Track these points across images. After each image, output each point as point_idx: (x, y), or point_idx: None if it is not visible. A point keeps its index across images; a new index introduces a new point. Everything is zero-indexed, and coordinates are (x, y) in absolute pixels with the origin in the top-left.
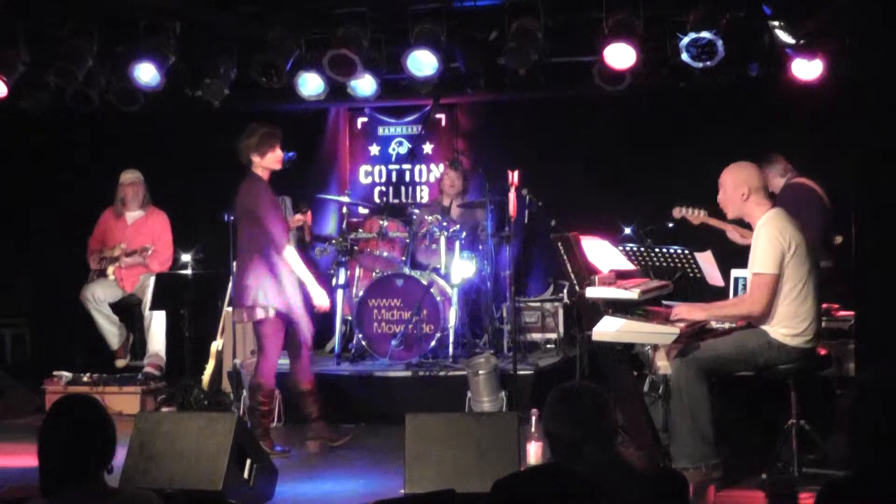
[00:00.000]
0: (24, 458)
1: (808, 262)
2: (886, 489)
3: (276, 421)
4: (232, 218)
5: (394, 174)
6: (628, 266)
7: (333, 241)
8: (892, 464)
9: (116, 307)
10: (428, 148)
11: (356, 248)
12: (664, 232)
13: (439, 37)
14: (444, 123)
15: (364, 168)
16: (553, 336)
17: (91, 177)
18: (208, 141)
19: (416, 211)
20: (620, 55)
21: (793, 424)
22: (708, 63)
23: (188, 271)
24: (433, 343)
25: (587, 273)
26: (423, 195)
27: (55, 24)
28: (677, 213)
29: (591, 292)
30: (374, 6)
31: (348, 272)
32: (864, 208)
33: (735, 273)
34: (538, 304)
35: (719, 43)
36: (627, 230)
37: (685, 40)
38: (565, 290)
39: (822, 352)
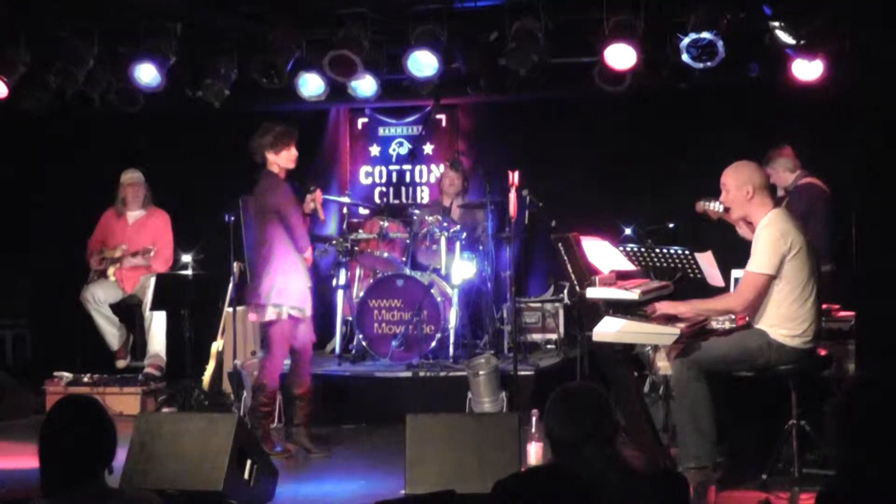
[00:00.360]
0: (24, 459)
1: (809, 264)
2: (879, 491)
3: (276, 421)
4: (233, 218)
5: (394, 175)
6: (629, 266)
7: (334, 242)
8: (882, 466)
9: (117, 308)
10: (428, 148)
11: (356, 248)
12: (664, 232)
13: (440, 37)
14: (444, 124)
15: (364, 168)
16: (553, 336)
17: (91, 177)
18: (209, 141)
19: (417, 211)
20: (621, 56)
21: (793, 425)
22: (708, 64)
23: (189, 272)
24: (434, 344)
25: (588, 273)
26: (424, 196)
27: (56, 24)
28: (700, 207)
29: (592, 293)
30: (375, 7)
31: (349, 273)
32: (865, 208)
33: (735, 273)
34: (539, 305)
35: (720, 43)
36: (628, 230)
37: (685, 41)
38: (566, 291)
39: (823, 352)
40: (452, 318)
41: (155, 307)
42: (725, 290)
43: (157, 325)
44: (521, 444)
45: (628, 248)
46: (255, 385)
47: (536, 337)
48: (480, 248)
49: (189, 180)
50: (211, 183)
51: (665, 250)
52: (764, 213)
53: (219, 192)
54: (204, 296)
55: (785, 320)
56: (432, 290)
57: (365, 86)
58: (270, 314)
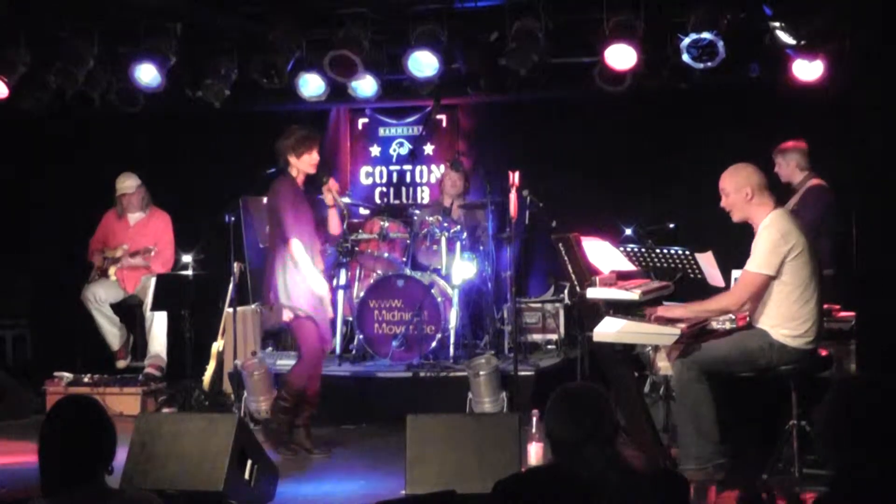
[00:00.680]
0: (24, 459)
1: (811, 264)
2: (879, 492)
3: None
4: (233, 218)
5: (394, 175)
6: (629, 267)
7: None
8: (882, 466)
9: (117, 308)
10: (429, 149)
11: (357, 248)
12: (665, 233)
13: (440, 37)
14: (444, 124)
15: (365, 169)
16: (554, 337)
17: (91, 177)
18: (209, 141)
19: (417, 212)
20: (621, 56)
21: (794, 425)
22: (709, 64)
23: (189, 272)
24: (434, 344)
25: (588, 274)
26: (424, 196)
27: (56, 24)
28: None
29: (592, 293)
30: (375, 7)
31: (349, 273)
32: (865, 208)
33: (735, 273)
34: (539, 305)
35: (720, 44)
36: (628, 231)
37: (686, 41)
38: (566, 291)
39: (824, 353)
40: (453, 318)
41: (155, 307)
42: (726, 290)
43: (157, 325)
44: (521, 444)
45: (628, 249)
46: (281, 380)
47: (537, 337)
48: (481, 248)
49: (189, 180)
50: (211, 183)
51: (665, 250)
52: (765, 214)
53: (219, 192)
54: (204, 296)
55: (786, 320)
56: (433, 291)
57: (365, 86)
58: (286, 315)
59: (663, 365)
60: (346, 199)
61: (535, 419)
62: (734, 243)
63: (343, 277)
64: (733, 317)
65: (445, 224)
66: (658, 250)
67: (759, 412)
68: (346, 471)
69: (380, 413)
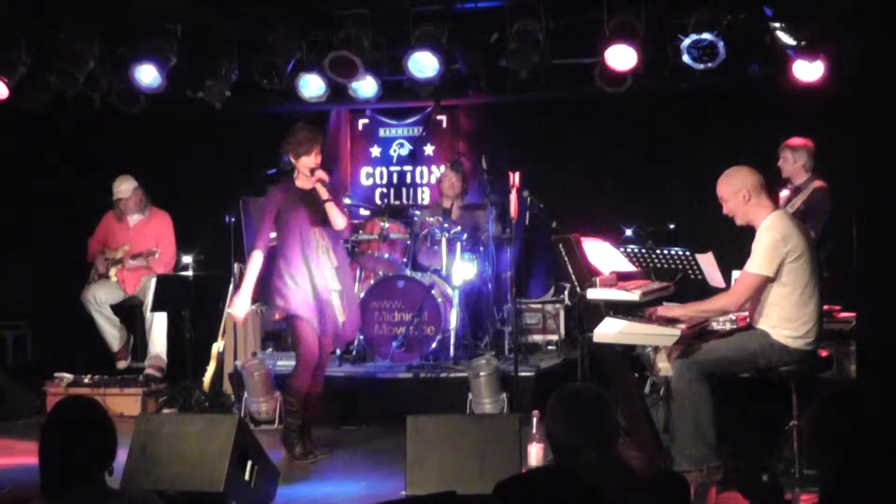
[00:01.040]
0: (24, 459)
1: (811, 265)
2: (878, 492)
3: (278, 423)
4: (233, 219)
5: (395, 176)
6: (629, 267)
7: None
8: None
9: (117, 309)
10: (429, 149)
11: (357, 249)
12: (665, 233)
13: (440, 38)
14: (445, 125)
15: (365, 169)
16: (554, 338)
17: (92, 178)
18: (209, 142)
19: (417, 212)
20: (621, 57)
21: (794, 426)
22: (709, 64)
23: (189, 273)
24: (434, 345)
25: (588, 274)
26: (424, 197)
27: (56, 25)
28: None
29: (592, 294)
30: (376, 8)
31: None
32: (865, 209)
33: (736, 274)
34: (539, 306)
35: (720, 44)
36: (628, 231)
37: (686, 42)
38: (566, 292)
39: (824, 353)
40: (453, 319)
41: (156, 308)
42: (726, 290)
43: (157, 326)
44: (521, 445)
45: (629, 250)
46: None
47: (537, 338)
48: (481, 249)
49: (189, 180)
50: (211, 183)
51: (665, 251)
52: (765, 215)
53: (219, 192)
54: (204, 297)
55: (787, 321)
56: (433, 292)
57: (365, 87)
58: (277, 314)
59: (663, 366)
60: (347, 200)
61: (535, 420)
62: (734, 244)
63: None
64: (734, 317)
65: (446, 225)
66: (658, 251)
67: (759, 413)
68: (347, 472)
69: (380, 414)
